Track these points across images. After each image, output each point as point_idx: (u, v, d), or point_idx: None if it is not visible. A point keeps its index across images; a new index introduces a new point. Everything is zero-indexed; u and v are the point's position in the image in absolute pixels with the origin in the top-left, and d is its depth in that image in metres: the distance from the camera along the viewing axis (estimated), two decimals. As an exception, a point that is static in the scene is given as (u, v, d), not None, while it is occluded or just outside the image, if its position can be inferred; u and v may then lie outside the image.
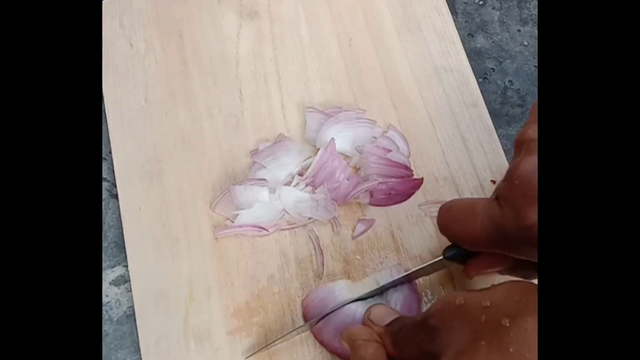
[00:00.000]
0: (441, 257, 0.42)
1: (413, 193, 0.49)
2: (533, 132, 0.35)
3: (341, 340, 0.41)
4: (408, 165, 0.49)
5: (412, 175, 0.49)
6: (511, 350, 0.30)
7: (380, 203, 0.49)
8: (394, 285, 0.45)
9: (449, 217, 0.39)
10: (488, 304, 0.32)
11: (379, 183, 0.48)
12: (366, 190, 0.48)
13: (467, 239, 0.38)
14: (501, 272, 0.40)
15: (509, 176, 0.35)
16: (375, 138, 0.50)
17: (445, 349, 0.33)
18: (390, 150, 0.49)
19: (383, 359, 0.38)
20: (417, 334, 0.36)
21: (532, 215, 0.33)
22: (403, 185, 0.49)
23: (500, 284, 0.34)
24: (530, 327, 0.30)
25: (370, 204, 0.49)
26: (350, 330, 0.40)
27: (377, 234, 0.48)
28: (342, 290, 0.46)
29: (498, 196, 0.36)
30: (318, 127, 0.50)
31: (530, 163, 0.33)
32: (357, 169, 0.50)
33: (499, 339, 0.30)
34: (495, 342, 0.30)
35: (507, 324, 0.31)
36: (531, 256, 0.35)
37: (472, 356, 0.31)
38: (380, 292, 0.45)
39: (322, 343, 0.45)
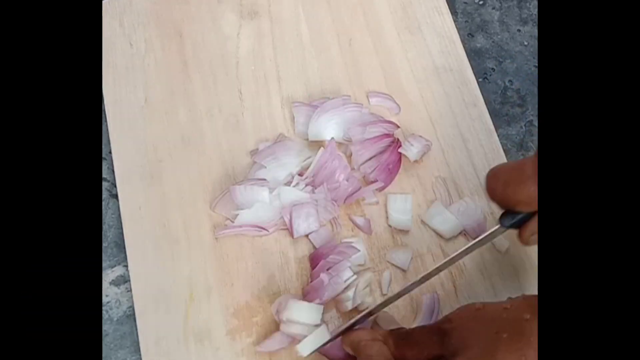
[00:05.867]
0: (498, 226, 0.40)
1: (401, 154, 0.50)
2: None
3: (342, 345, 0.41)
4: (392, 124, 0.50)
5: (398, 127, 0.50)
6: (532, 339, 0.32)
7: (387, 182, 0.49)
8: (437, 272, 0.43)
9: (498, 183, 0.38)
10: (508, 306, 0.35)
11: (374, 170, 0.49)
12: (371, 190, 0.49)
13: (523, 201, 0.37)
14: None
15: None
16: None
17: (460, 349, 0.34)
18: (374, 122, 0.50)
19: (388, 355, 0.38)
20: (428, 338, 0.37)
21: None
22: (392, 155, 0.49)
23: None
24: None
25: (380, 190, 0.49)
26: (353, 334, 0.41)
27: (377, 234, 0.48)
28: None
29: None
30: (306, 120, 0.51)
31: None
32: (350, 157, 0.50)
33: (521, 330, 0.32)
34: (517, 333, 0.32)
35: (528, 317, 0.32)
36: None
37: (495, 349, 0.32)
38: (420, 283, 0.43)
39: (326, 354, 0.44)
